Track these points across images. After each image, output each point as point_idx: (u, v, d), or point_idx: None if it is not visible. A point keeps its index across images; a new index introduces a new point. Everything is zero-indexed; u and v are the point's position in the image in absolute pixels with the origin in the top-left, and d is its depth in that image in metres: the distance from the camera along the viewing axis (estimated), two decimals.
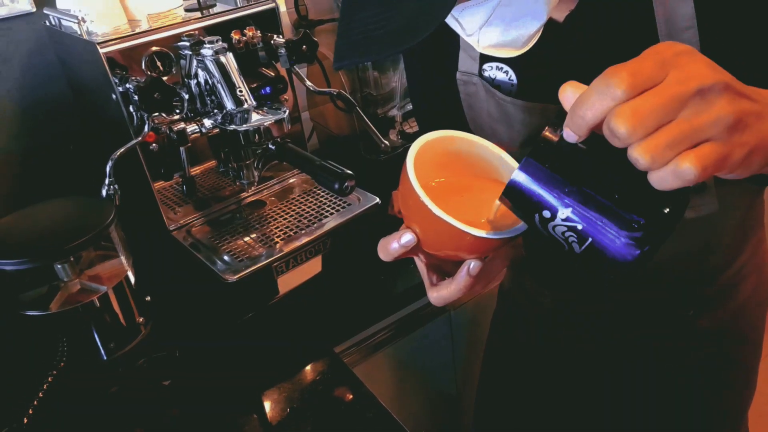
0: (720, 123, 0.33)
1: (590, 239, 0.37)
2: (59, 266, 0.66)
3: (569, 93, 0.36)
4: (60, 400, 0.66)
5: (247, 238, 0.94)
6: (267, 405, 0.76)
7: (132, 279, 0.74)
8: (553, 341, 0.84)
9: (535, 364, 0.88)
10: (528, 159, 0.38)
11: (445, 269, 0.52)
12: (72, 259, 0.67)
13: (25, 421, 0.62)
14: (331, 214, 0.97)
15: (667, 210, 0.36)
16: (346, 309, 0.94)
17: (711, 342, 0.73)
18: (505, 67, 0.62)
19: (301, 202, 1.02)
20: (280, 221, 0.97)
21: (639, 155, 0.33)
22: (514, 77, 0.61)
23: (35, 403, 0.63)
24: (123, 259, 0.73)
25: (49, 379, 0.65)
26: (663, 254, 0.67)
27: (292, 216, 0.98)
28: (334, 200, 1.01)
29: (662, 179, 0.33)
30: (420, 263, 0.52)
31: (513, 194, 0.39)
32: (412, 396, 1.13)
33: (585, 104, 0.34)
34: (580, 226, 0.37)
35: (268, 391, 0.77)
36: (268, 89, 0.99)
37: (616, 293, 0.73)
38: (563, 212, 0.37)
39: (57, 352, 0.66)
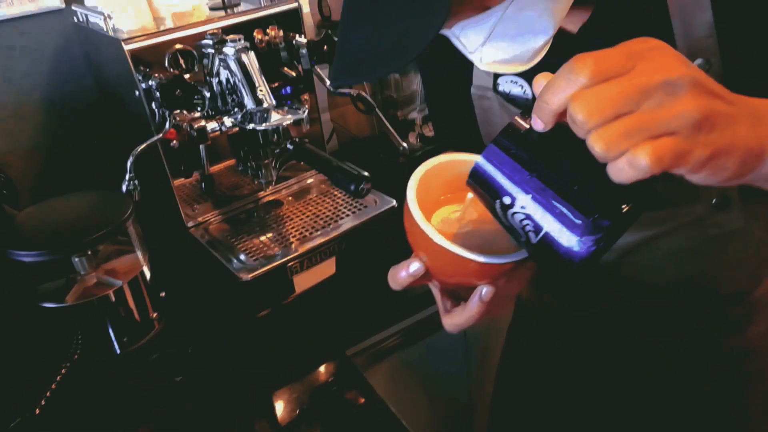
0: (683, 118, 0.32)
1: (545, 230, 0.37)
2: (76, 259, 0.67)
3: (541, 82, 0.36)
4: (73, 392, 0.67)
5: (263, 237, 0.94)
6: (277, 405, 0.76)
7: (147, 274, 0.74)
8: (570, 352, 0.82)
9: (552, 375, 0.87)
10: (492, 145, 0.38)
11: (460, 294, 0.51)
12: (89, 252, 0.68)
13: (37, 411, 0.63)
14: (347, 216, 0.97)
15: (624, 208, 0.36)
16: (359, 312, 0.94)
17: (736, 364, 0.71)
18: (520, 81, 0.61)
19: (317, 203, 1.02)
20: (296, 221, 0.97)
21: (594, 142, 0.32)
22: (529, 91, 0.60)
23: (48, 394, 0.64)
24: (139, 254, 0.74)
25: (63, 371, 0.65)
26: (685, 270, 0.66)
27: (308, 216, 0.98)
28: (350, 202, 1.01)
29: (618, 170, 0.32)
30: (434, 289, 0.51)
31: (477, 180, 0.39)
32: (423, 402, 1.12)
33: (550, 90, 0.34)
34: (536, 216, 0.37)
35: (279, 392, 0.77)
36: (288, 89, 0.99)
37: (637, 308, 0.72)
38: (522, 200, 0.37)
39: (71, 345, 0.67)
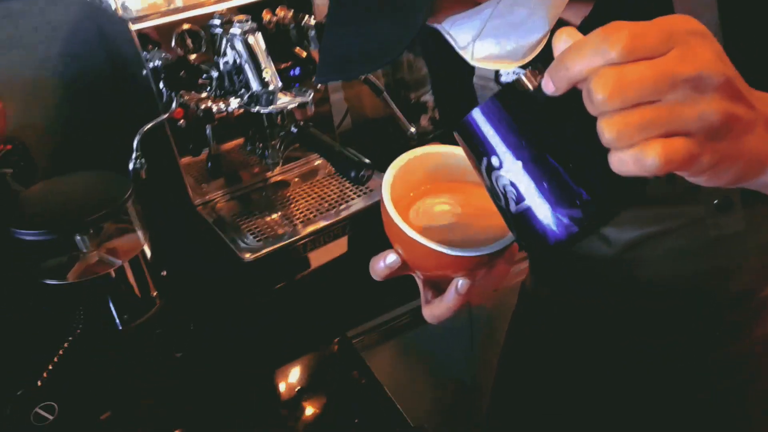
0: (703, 119, 0.30)
1: (527, 201, 0.35)
2: (78, 238, 0.69)
3: (563, 40, 0.33)
4: (75, 365, 0.69)
5: (268, 218, 0.95)
6: (275, 384, 0.77)
7: (148, 253, 0.76)
8: (572, 343, 0.82)
9: (553, 367, 0.87)
10: (493, 99, 0.35)
11: (441, 285, 0.51)
12: (91, 231, 0.69)
13: (39, 383, 0.65)
14: (354, 198, 0.97)
15: (615, 196, 0.33)
16: (362, 293, 0.94)
17: (737, 365, 0.70)
18: (523, 72, 0.59)
19: (324, 185, 1.02)
20: (302, 203, 0.97)
21: (606, 127, 0.30)
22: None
23: (50, 367, 0.66)
24: (140, 233, 0.75)
25: (65, 345, 0.67)
26: (685, 271, 0.65)
27: (314, 199, 0.98)
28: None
29: (622, 162, 0.30)
30: (417, 279, 0.51)
31: (466, 132, 0.37)
32: (426, 384, 1.13)
33: (574, 55, 0.31)
34: (521, 185, 0.35)
35: (278, 371, 0.78)
36: (297, 70, 0.99)
37: (635, 307, 0.71)
38: (510, 165, 0.35)
39: (74, 320, 0.69)
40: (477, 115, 0.36)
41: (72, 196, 0.69)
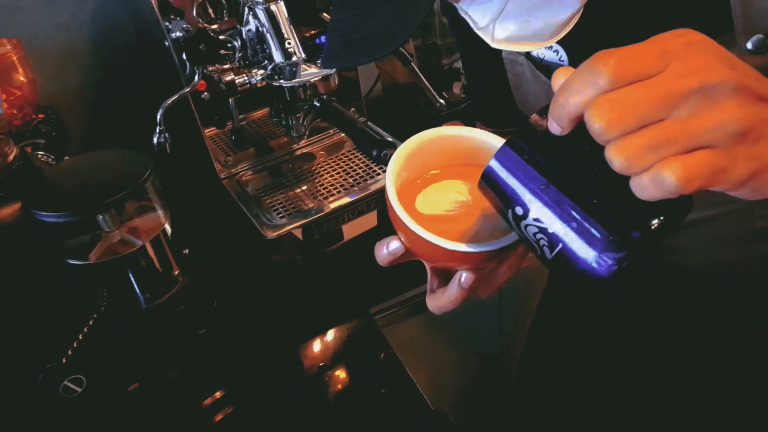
0: (723, 129, 0.27)
1: (560, 245, 0.33)
2: (100, 217, 0.69)
3: (560, 79, 0.32)
4: (100, 341, 0.71)
5: (292, 193, 0.93)
6: (295, 360, 0.78)
7: (169, 232, 0.76)
8: (603, 326, 0.79)
9: (581, 345, 0.84)
10: (505, 146, 0.34)
11: (450, 274, 0.49)
12: (113, 211, 0.69)
13: (64, 361, 0.67)
14: (379, 174, 0.95)
15: (652, 224, 0.31)
16: (386, 270, 0.93)
17: None
18: (555, 46, 0.54)
19: (350, 159, 1.00)
20: (327, 178, 0.96)
21: (613, 155, 0.28)
22: (564, 56, 0.54)
23: (75, 345, 0.67)
24: (161, 212, 0.75)
25: (90, 322, 0.69)
26: (724, 261, 0.61)
27: (339, 174, 0.96)
28: None
29: (641, 187, 0.29)
30: (426, 266, 0.49)
31: (488, 183, 0.36)
32: (447, 362, 1.12)
33: (566, 91, 0.30)
34: (551, 230, 0.33)
35: (303, 346, 0.78)
36: (323, 38, 0.95)
37: (674, 290, 0.68)
38: (535, 211, 0.33)
39: (97, 298, 0.70)
40: (493, 164, 0.35)
41: (93, 176, 0.69)
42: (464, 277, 0.42)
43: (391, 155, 0.75)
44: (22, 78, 0.96)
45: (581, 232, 0.32)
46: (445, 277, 0.47)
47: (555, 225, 0.33)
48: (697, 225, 0.60)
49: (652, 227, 0.31)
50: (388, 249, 0.44)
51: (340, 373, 0.76)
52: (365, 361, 0.78)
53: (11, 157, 0.71)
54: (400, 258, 0.45)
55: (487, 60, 0.65)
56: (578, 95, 0.29)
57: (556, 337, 0.89)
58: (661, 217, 0.31)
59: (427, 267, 0.48)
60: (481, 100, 0.76)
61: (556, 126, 0.31)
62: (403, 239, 0.43)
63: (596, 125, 0.28)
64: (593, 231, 0.32)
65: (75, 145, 1.11)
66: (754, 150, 0.28)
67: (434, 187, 0.46)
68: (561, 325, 0.87)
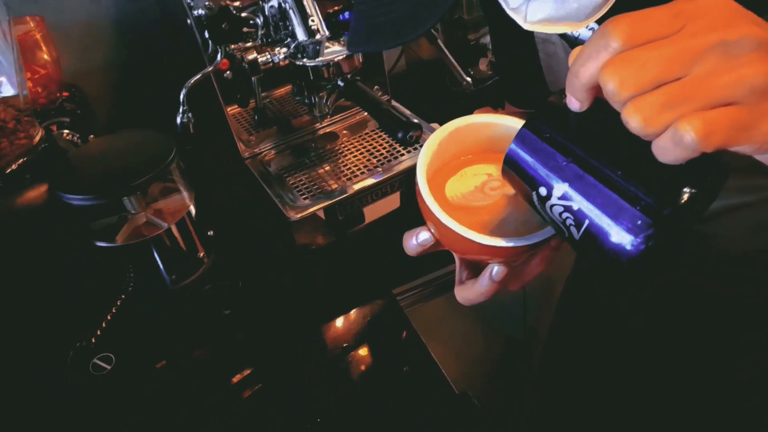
0: (746, 83, 0.26)
1: (587, 222, 0.32)
2: (126, 199, 0.69)
3: (576, 55, 0.30)
4: (128, 320, 0.72)
5: (315, 174, 0.93)
6: (319, 339, 0.78)
7: (193, 212, 0.76)
8: (630, 311, 0.78)
9: (607, 331, 0.83)
10: (524, 129, 0.33)
11: (481, 265, 0.48)
12: (138, 193, 0.70)
13: (93, 341, 0.68)
14: (403, 155, 0.93)
15: (682, 194, 0.29)
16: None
17: None
18: (593, 23, 0.52)
19: (373, 139, 0.98)
20: (350, 158, 0.94)
21: (628, 115, 0.27)
22: None
23: (104, 324, 0.69)
24: (185, 194, 0.75)
25: (118, 303, 0.70)
26: (759, 248, 0.59)
27: (362, 154, 0.95)
28: None
29: (661, 150, 0.27)
30: (455, 256, 0.48)
31: (511, 167, 0.35)
32: (471, 343, 1.12)
33: (578, 60, 0.29)
34: (576, 207, 0.32)
35: (326, 326, 0.79)
36: (347, 14, 0.93)
37: (706, 277, 0.66)
38: (559, 188, 0.33)
39: (124, 279, 0.71)
40: (513, 148, 0.34)
41: (118, 158, 0.69)
42: (496, 270, 0.41)
43: (417, 137, 0.74)
44: (45, 56, 0.96)
45: (606, 207, 0.31)
46: (474, 268, 0.47)
47: (579, 202, 0.32)
48: (734, 212, 0.58)
49: (680, 199, 0.30)
50: (418, 240, 0.44)
51: (363, 353, 0.76)
52: (387, 342, 0.78)
53: (37, 139, 0.71)
54: (430, 248, 0.44)
55: (517, 38, 0.63)
56: (592, 61, 0.28)
57: (584, 314, 0.87)
58: (691, 189, 0.29)
59: (456, 258, 0.47)
60: (511, 79, 0.73)
61: (574, 102, 0.30)
62: (433, 231, 0.43)
63: (608, 84, 0.27)
64: (619, 205, 0.31)
65: (99, 123, 1.12)
66: None
67: (464, 174, 0.45)
68: (589, 303, 0.86)
